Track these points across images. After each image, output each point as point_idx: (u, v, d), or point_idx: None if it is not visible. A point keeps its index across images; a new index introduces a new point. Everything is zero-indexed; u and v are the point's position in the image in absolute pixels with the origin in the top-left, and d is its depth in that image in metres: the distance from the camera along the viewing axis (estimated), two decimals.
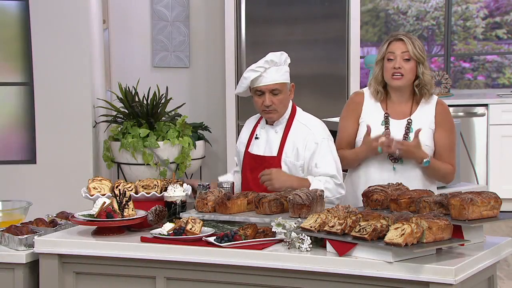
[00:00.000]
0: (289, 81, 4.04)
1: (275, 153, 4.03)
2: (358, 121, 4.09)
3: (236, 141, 4.34)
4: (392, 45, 3.98)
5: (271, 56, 3.99)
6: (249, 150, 4.12)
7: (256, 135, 4.12)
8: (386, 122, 4.02)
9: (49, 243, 3.50)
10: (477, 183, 6.77)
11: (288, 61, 4.06)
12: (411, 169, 3.99)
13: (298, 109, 4.11)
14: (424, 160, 3.92)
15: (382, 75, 4.02)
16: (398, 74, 3.95)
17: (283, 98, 4.00)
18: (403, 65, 3.94)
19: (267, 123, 4.11)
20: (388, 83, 4.02)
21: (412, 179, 3.95)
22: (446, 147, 4.02)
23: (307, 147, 3.97)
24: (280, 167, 3.98)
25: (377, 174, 4.00)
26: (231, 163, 6.68)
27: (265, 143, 4.08)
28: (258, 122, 4.17)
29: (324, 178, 3.90)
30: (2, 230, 3.64)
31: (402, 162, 3.98)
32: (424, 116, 4.01)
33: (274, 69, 3.97)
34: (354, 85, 7.22)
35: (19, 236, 3.53)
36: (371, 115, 4.06)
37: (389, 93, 4.06)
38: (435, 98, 4.06)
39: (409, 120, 4.01)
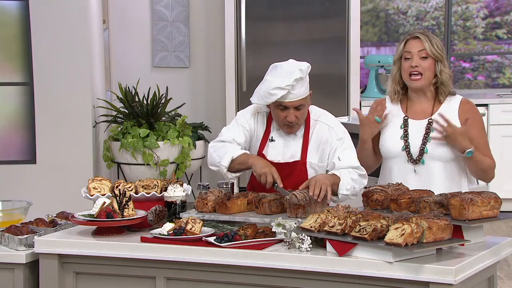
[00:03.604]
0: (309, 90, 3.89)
1: (298, 157, 3.90)
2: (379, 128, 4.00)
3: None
4: (408, 43, 3.88)
5: (299, 73, 3.77)
6: (263, 152, 3.94)
7: (272, 137, 3.96)
8: (405, 125, 3.92)
9: (49, 243, 3.50)
10: (477, 183, 6.75)
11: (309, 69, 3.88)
12: (432, 170, 3.88)
13: (310, 106, 3.97)
14: (468, 150, 3.79)
15: (400, 75, 3.93)
16: (416, 72, 3.86)
17: (305, 110, 3.87)
18: (420, 64, 3.85)
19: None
20: (407, 84, 3.93)
21: (433, 180, 3.86)
22: (481, 144, 3.90)
23: (331, 146, 3.88)
24: (306, 171, 3.89)
25: (400, 178, 3.87)
26: None
27: (283, 147, 3.93)
28: (270, 119, 3.98)
29: (347, 170, 3.81)
30: (2, 230, 3.63)
31: (423, 163, 3.88)
32: (447, 116, 3.85)
33: (300, 84, 3.80)
34: (354, 85, 7.21)
35: (19, 236, 3.52)
36: (391, 119, 3.97)
37: (409, 93, 3.97)
38: (458, 97, 3.95)
39: (430, 120, 3.90)
